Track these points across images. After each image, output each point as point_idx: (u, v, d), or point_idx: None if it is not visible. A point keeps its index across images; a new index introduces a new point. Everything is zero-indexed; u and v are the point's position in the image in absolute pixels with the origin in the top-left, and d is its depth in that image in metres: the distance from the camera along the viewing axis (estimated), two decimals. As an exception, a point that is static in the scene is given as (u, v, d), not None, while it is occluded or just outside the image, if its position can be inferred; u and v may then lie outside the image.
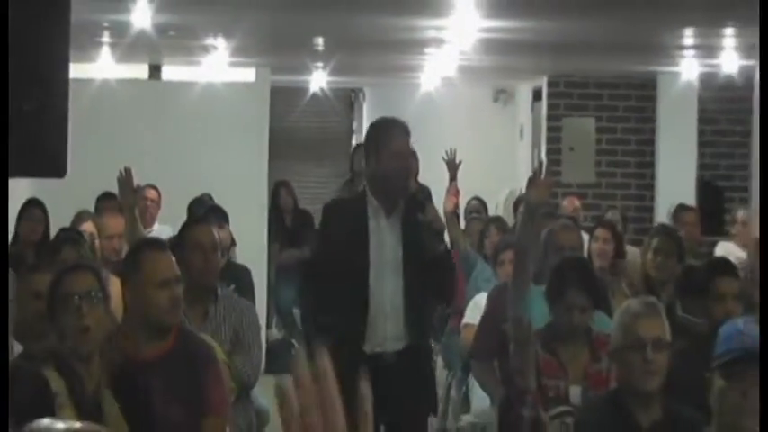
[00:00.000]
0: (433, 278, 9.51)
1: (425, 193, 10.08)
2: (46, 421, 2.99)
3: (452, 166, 14.08)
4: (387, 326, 9.53)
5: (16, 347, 7.84)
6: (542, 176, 9.23)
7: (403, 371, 9.04)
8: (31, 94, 9.30)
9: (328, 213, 10.07)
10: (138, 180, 16.47)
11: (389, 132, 9.24)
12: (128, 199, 11.29)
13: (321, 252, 10.41)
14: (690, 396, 6.88)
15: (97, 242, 13.48)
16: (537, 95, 22.06)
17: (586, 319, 9.28)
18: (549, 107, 21.51)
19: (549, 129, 21.48)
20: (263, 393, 10.75)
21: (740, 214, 17.35)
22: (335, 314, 9.57)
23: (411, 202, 9.53)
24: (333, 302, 9.58)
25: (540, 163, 10.20)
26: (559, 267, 9.65)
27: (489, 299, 10.86)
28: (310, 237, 20.13)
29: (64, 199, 14.51)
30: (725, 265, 10.72)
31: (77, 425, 3.06)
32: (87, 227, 14.18)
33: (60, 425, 3.06)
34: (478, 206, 17.26)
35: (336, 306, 9.62)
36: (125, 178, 11.06)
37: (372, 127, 9.67)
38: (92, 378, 6.76)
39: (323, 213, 10.46)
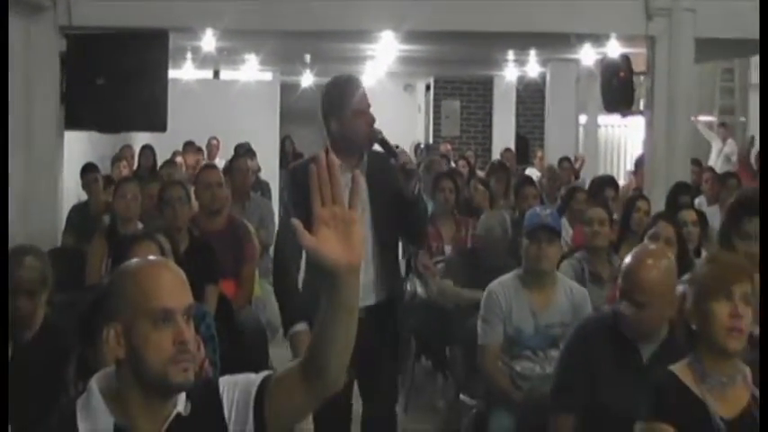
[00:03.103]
0: (406, 221, 5.82)
1: (383, 138, 5.84)
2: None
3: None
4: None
5: (138, 225, 7.86)
6: None
7: (375, 326, 5.45)
8: (148, 88, 9.32)
9: (288, 179, 5.94)
10: (206, 135, 16.64)
11: (348, 90, 5.72)
12: None
13: (283, 220, 6.36)
14: (516, 252, 6.88)
15: (184, 168, 13.49)
16: (428, 87, 21.95)
17: (452, 198, 9.25)
18: (435, 94, 21.33)
19: (434, 107, 21.29)
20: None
21: (538, 153, 17.43)
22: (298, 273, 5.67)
23: (373, 154, 5.83)
24: (295, 263, 5.60)
25: None
26: (435, 176, 9.75)
27: None
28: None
29: (164, 144, 14.49)
30: (529, 179, 10.81)
31: (152, 257, 3.06)
32: (179, 159, 14.21)
33: (136, 259, 2.93)
34: (396, 151, 17.21)
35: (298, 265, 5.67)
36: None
37: (331, 87, 5.81)
38: (182, 242, 6.78)
39: (285, 179, 6.42)
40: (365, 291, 5.26)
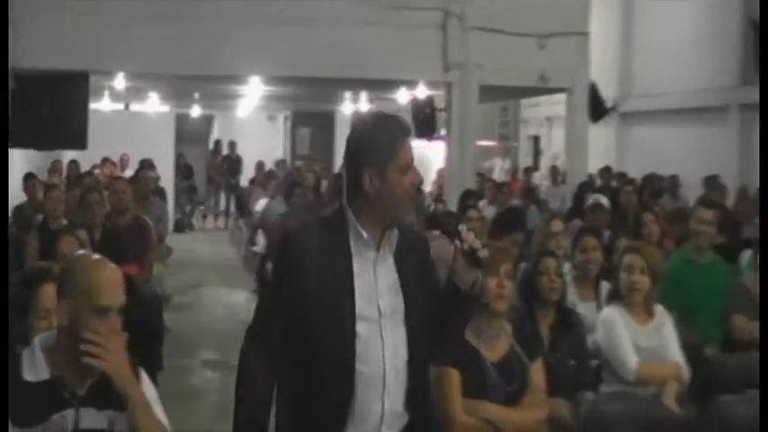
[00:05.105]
0: (450, 320, 2.75)
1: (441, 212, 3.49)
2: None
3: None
4: (385, 402, 2.58)
5: (64, 221, 7.65)
6: None
7: None
8: (74, 117, 9.13)
9: (291, 245, 2.63)
10: (119, 152, 16.24)
11: (394, 136, 2.60)
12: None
13: (276, 302, 2.65)
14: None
15: (101, 177, 13.13)
16: (286, 118, 21.79)
17: (303, 200, 9.21)
18: (291, 123, 21.20)
19: (291, 132, 21.17)
20: (170, 241, 10.52)
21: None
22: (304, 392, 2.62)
23: (406, 227, 2.75)
24: (300, 378, 2.62)
25: None
26: (290, 183, 9.67)
27: None
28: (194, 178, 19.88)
29: (87, 159, 14.08)
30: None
31: (97, 256, 2.75)
32: (97, 172, 13.82)
33: (96, 256, 2.72)
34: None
35: (305, 380, 2.61)
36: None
37: (372, 127, 2.66)
38: (97, 234, 6.62)
39: (284, 242, 2.69)
40: (394, 418, 2.71)
